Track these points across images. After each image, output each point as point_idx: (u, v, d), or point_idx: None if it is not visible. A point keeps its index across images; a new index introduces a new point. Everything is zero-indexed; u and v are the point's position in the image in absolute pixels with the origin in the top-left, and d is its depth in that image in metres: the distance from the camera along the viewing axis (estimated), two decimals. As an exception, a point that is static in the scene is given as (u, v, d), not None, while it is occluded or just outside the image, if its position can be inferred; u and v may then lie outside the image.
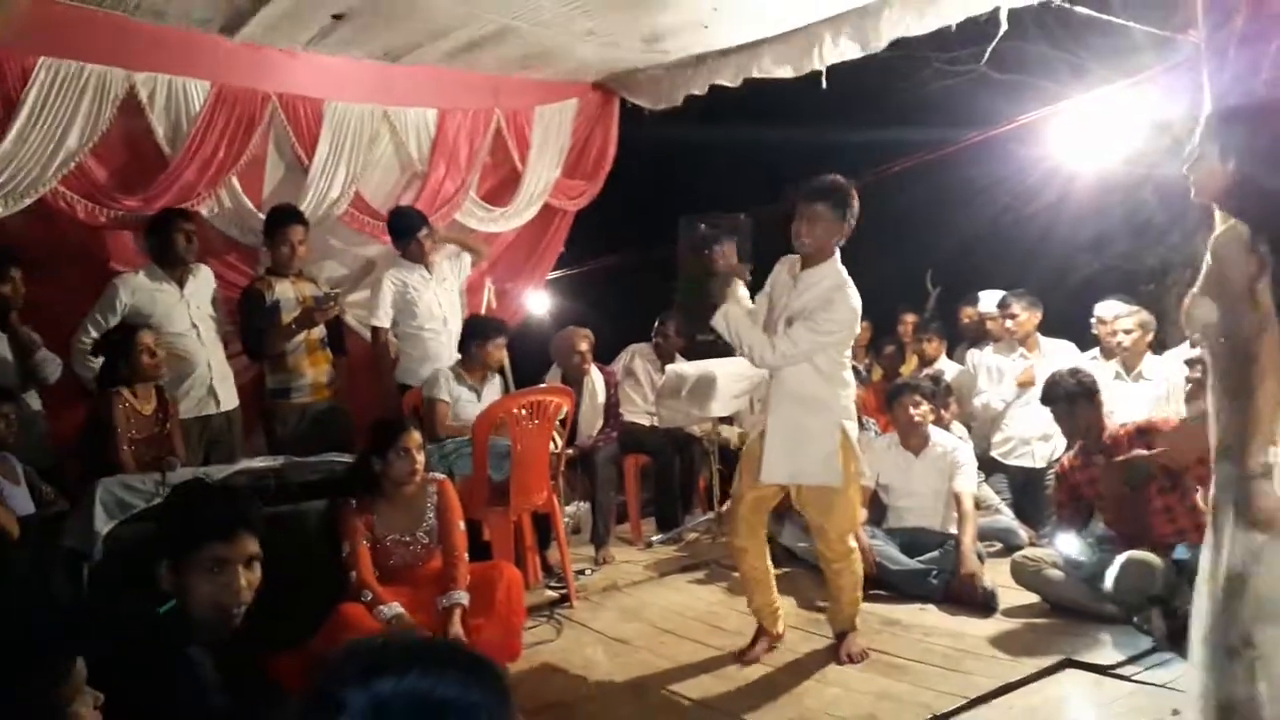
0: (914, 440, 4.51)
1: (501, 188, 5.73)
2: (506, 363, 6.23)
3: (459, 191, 5.38)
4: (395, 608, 3.20)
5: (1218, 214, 3.23)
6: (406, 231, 4.84)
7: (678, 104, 5.53)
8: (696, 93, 5.39)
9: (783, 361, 3.38)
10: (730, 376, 4.96)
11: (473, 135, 5.41)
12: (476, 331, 4.69)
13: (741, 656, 3.56)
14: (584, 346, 5.30)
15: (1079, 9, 5.02)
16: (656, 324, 5.98)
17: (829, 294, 3.37)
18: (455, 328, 4.90)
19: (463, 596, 3.30)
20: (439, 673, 0.91)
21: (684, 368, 5.28)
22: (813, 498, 3.47)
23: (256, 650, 2.24)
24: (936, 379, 5.08)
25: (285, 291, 4.44)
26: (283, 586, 2.26)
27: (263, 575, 2.09)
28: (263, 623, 2.12)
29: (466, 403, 4.57)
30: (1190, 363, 3.99)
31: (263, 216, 4.60)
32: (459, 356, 4.69)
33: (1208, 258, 2.25)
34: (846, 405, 3.47)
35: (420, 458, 3.43)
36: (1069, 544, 3.89)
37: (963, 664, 3.40)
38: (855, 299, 3.40)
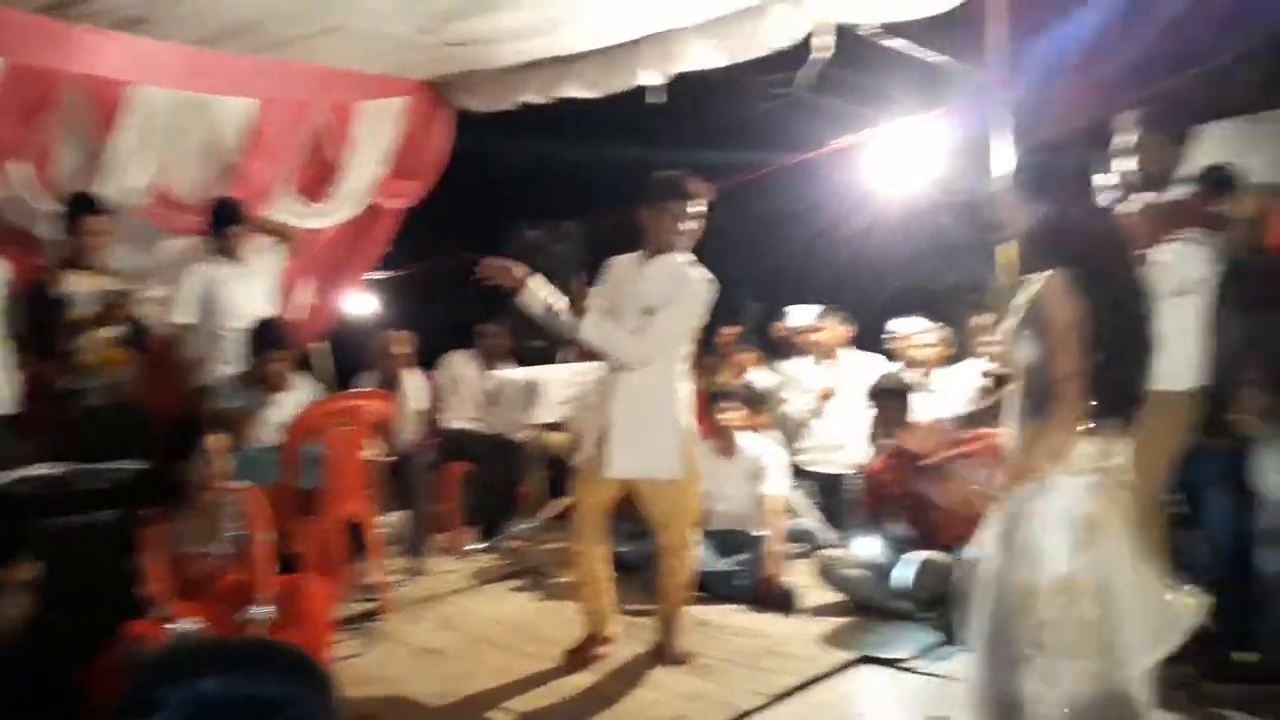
0: (726, 445, 4.67)
1: (321, 183, 5.53)
2: (331, 365, 6.03)
3: (274, 185, 5.17)
4: (191, 624, 3.02)
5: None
6: (226, 222, 4.63)
7: (506, 108, 5.52)
8: (527, 100, 5.40)
9: (654, 354, 3.42)
10: (556, 383, 4.99)
11: (292, 128, 5.21)
12: (255, 343, 4.40)
13: (576, 657, 3.55)
14: (399, 350, 5.19)
15: (886, 42, 5.35)
16: (481, 329, 5.93)
17: (683, 273, 3.45)
18: None
19: (266, 611, 3.16)
20: (259, 672, 0.89)
21: (510, 374, 5.27)
22: (661, 493, 3.50)
23: (42, 668, 2.10)
24: (748, 387, 5.29)
25: (80, 285, 4.14)
26: (69, 603, 2.12)
27: (47, 591, 1.96)
28: (48, 641, 1.98)
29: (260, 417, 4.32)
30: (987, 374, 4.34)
31: (53, 207, 4.27)
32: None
33: (1031, 297, 2.42)
34: (686, 399, 3.54)
35: (223, 463, 3.27)
36: (868, 545, 4.13)
37: (768, 662, 3.55)
38: (708, 281, 3.49)
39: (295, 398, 4.40)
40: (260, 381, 4.33)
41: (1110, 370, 2.33)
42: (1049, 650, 2.29)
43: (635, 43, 4.85)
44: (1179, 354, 3.03)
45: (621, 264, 3.59)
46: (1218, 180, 3.28)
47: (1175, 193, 3.10)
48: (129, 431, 4.10)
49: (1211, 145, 3.56)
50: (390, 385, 5.09)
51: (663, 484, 3.49)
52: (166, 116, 4.68)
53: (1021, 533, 2.37)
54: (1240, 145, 5.60)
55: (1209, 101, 6.08)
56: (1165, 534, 3.06)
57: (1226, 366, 3.11)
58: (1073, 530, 2.31)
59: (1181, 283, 2.98)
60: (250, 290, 4.70)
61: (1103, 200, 2.61)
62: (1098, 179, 2.65)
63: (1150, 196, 3.14)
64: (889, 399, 4.30)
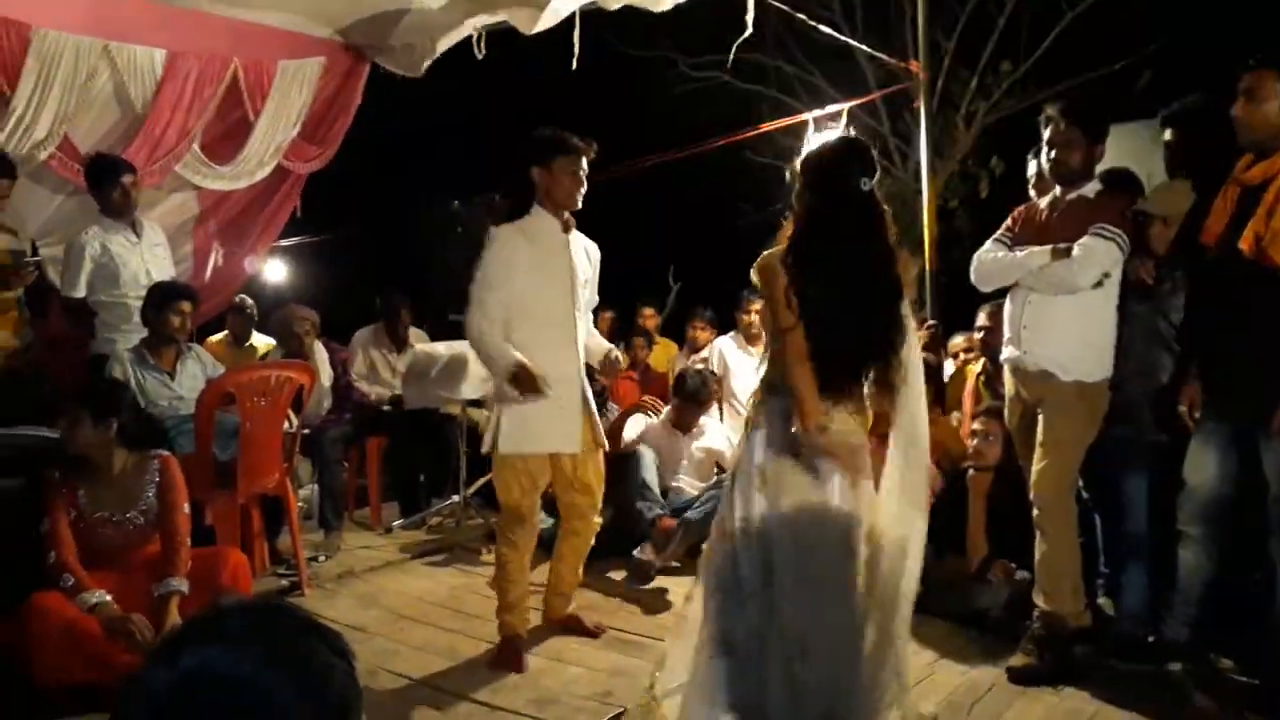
0: (685, 423, 4.89)
1: (229, 142, 5.26)
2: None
3: (182, 142, 4.90)
4: (99, 595, 2.88)
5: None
6: (105, 180, 4.26)
7: (420, 73, 5.36)
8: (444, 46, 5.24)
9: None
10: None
11: (204, 83, 4.94)
12: (153, 299, 4.04)
13: (511, 660, 3.36)
14: (303, 328, 4.93)
15: (821, 26, 5.42)
16: (388, 303, 5.71)
17: (594, 249, 3.56)
18: None
19: (181, 584, 3.02)
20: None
21: (435, 347, 5.13)
22: (595, 457, 3.51)
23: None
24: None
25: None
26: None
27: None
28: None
29: (156, 386, 4.00)
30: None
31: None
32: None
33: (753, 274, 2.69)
34: None
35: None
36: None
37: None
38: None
39: (187, 375, 4.10)
40: (162, 349, 4.08)
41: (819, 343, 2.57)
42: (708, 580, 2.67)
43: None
44: (1091, 347, 3.14)
45: (543, 230, 3.36)
46: (1122, 181, 3.39)
47: (1086, 189, 3.19)
48: (25, 396, 3.87)
49: (1115, 146, 3.67)
50: (296, 356, 4.92)
51: (598, 448, 3.54)
52: (71, 64, 4.39)
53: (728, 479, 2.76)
54: (1141, 147, 5.84)
55: (1115, 103, 6.36)
56: (1076, 518, 3.18)
57: (1147, 360, 3.22)
58: (748, 478, 2.63)
59: (1095, 277, 3.07)
60: (151, 259, 4.39)
61: (871, 193, 2.66)
62: (866, 179, 2.66)
63: (1062, 191, 3.23)
64: None
